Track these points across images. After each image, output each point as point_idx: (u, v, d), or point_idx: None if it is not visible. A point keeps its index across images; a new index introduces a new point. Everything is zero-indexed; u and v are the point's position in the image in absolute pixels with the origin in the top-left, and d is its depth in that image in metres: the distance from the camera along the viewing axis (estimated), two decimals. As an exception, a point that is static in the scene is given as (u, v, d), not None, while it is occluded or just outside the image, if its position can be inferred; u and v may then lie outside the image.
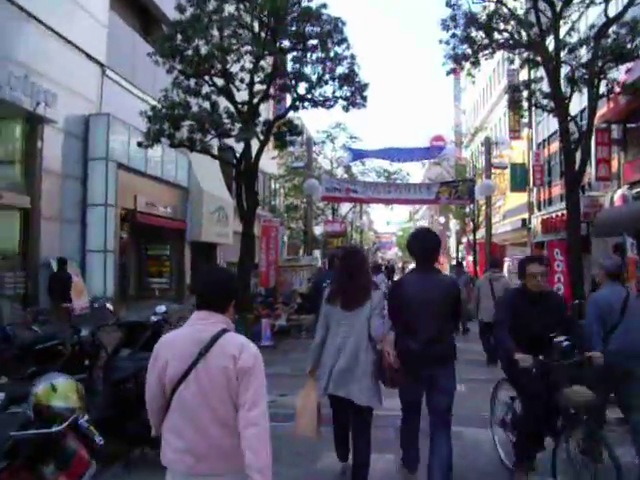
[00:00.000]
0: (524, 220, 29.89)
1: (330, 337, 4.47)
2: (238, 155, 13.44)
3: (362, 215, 38.43)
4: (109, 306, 9.08)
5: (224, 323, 2.69)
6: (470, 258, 48.09)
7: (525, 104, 15.07)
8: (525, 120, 30.76)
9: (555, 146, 26.12)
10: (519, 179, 28.27)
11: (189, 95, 12.27)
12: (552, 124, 26.42)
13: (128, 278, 17.81)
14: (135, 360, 4.85)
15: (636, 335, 5.00)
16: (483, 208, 28.37)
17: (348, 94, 14.11)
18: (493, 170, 18.54)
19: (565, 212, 23.15)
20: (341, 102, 14.75)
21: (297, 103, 14.48)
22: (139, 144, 12.76)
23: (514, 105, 15.22)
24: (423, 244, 4.73)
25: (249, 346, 2.64)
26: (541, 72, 14.80)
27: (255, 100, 13.45)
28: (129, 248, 18.43)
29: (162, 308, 6.49)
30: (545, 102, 14.26)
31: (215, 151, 13.81)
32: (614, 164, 18.89)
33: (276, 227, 14.47)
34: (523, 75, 30.43)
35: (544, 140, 27.77)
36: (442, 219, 60.12)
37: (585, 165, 12.77)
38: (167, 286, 20.34)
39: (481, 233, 30.71)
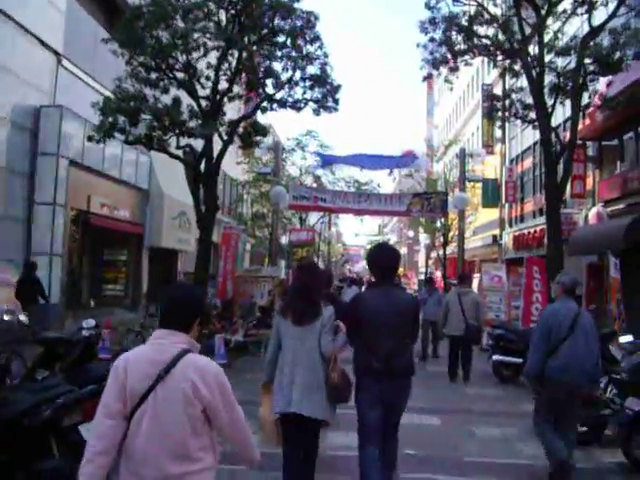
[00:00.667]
0: (495, 236, 29.51)
1: (282, 352, 4.44)
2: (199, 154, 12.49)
3: (331, 226, 37.65)
4: (22, 317, 7.80)
5: (186, 343, 2.56)
6: (439, 273, 47.93)
7: (502, 115, 14.39)
8: (498, 135, 30.62)
9: (529, 162, 25.77)
10: (491, 195, 27.81)
11: (146, 86, 11.23)
12: (526, 140, 26.13)
13: (80, 284, 16.68)
14: (36, 391, 3.85)
15: (581, 351, 5.10)
16: (454, 222, 27.94)
17: (319, 96, 13.29)
18: (467, 184, 17.92)
19: (538, 229, 22.94)
20: (312, 105, 13.97)
21: (265, 104, 13.63)
22: (89, 138, 11.70)
23: (490, 116, 14.57)
24: (382, 260, 4.77)
25: (212, 368, 2.53)
26: (521, 82, 14.21)
27: (219, 97, 12.52)
28: (82, 252, 17.30)
29: (91, 322, 5.51)
30: (524, 113, 13.61)
31: (175, 150, 12.77)
32: (589, 181, 18.47)
33: (237, 235, 13.43)
34: (498, 89, 30.31)
35: (517, 156, 27.44)
36: (411, 233, 59.91)
37: (567, 179, 12.18)
38: (122, 293, 19.22)
39: (451, 248, 30.19)
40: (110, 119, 10.84)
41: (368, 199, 17.24)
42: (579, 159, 18.33)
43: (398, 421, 4.67)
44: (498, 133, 30.21)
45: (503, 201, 27.54)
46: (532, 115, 13.58)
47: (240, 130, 13.40)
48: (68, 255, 14.69)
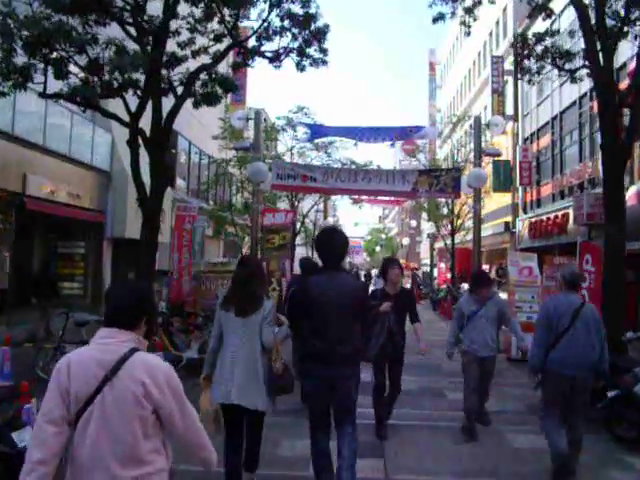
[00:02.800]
0: (507, 223, 26.75)
1: (224, 345, 4.49)
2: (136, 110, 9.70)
3: (327, 214, 34.60)
4: None
5: (134, 342, 2.46)
6: (442, 265, 45.19)
7: (534, 67, 11.58)
8: (510, 112, 27.88)
9: (546, 140, 23.00)
10: (503, 178, 24.97)
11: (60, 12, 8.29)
12: (542, 115, 23.38)
13: (27, 281, 14.06)
14: None
15: (582, 343, 5.07)
16: (463, 208, 25.18)
17: (302, 43, 10.56)
18: (483, 159, 15.13)
19: (559, 214, 20.20)
20: (294, 58, 11.25)
21: (238, 57, 10.89)
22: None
23: (521, 70, 11.75)
24: (329, 244, 4.67)
25: (162, 366, 2.45)
26: (558, 24, 11.39)
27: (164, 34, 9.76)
28: (29, 244, 14.66)
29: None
30: (562, 62, 10.81)
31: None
32: (626, 156, 15.69)
33: (191, 216, 10.54)
34: (508, 64, 27.54)
35: (532, 134, 24.70)
36: (413, 222, 57.02)
37: (633, 137, 9.09)
38: (81, 292, 16.53)
39: (459, 237, 27.42)
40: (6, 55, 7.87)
41: (366, 177, 14.42)
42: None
43: (348, 409, 4.53)
44: (509, 110, 27.56)
45: (517, 184, 24.79)
46: (574, 64, 10.75)
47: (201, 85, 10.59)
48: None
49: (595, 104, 18.33)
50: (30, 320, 12.25)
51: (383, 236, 77.66)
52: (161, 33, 9.66)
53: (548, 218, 21.07)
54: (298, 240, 35.10)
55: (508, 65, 27.15)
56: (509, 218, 26.49)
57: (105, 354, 2.38)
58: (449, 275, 38.29)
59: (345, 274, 4.94)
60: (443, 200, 26.68)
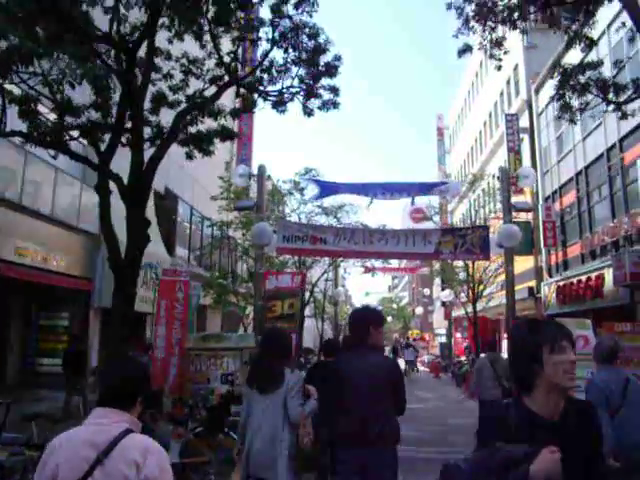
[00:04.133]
0: (531, 288, 24.90)
1: (250, 421, 4.50)
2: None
3: (337, 282, 32.81)
4: None
5: (128, 423, 2.39)
6: (458, 335, 43.01)
7: (576, 103, 10.15)
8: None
9: (571, 197, 21.52)
10: (524, 239, 23.32)
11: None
12: (564, 172, 22.02)
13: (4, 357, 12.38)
14: None
15: (636, 421, 4.63)
16: (488, 271, 23.47)
17: (309, 80, 9.23)
18: (514, 214, 13.60)
19: (593, 276, 18.40)
20: (300, 100, 9.92)
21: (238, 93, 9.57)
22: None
23: (562, 107, 10.33)
24: (357, 322, 4.67)
25: (156, 450, 2.36)
26: (596, 54, 10.06)
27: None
28: (6, 315, 13.08)
29: None
30: (605, 94, 9.39)
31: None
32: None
33: (182, 282, 8.83)
34: (524, 121, 26.54)
35: (554, 192, 23.26)
36: (427, 290, 55.02)
37: None
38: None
39: (481, 304, 25.52)
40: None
41: (383, 238, 12.81)
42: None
43: None
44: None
45: (541, 246, 23.15)
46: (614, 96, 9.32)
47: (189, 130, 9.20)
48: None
49: (626, 154, 17.05)
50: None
51: (394, 306, 75.44)
52: (140, 63, 8.35)
53: (579, 281, 19.31)
54: (307, 311, 33.28)
55: (523, 122, 26.18)
56: (533, 282, 24.70)
57: (97, 435, 2.32)
58: (465, 345, 36.25)
59: (377, 352, 4.69)
60: (460, 264, 25.05)
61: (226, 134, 9.96)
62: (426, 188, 13.86)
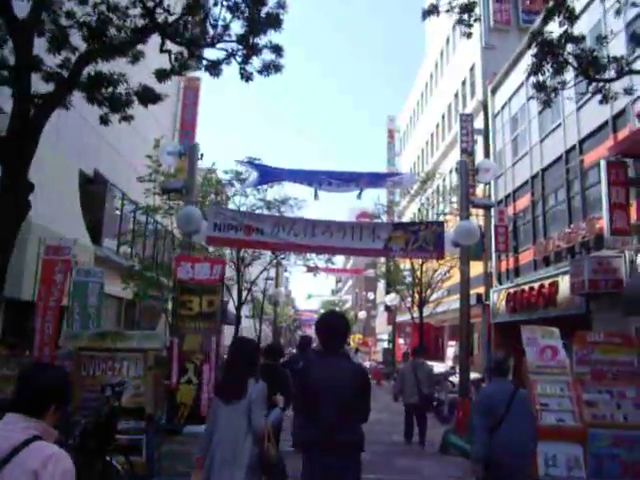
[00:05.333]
0: (479, 295, 23.97)
1: (215, 431, 4.41)
2: None
3: (279, 282, 31.18)
4: None
5: (37, 430, 2.26)
6: (401, 341, 41.99)
7: (554, 82, 8.91)
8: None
9: (525, 201, 20.66)
10: (475, 245, 22.42)
11: None
12: (519, 175, 21.16)
13: None
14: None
15: (518, 432, 5.05)
16: (436, 274, 22.42)
17: (247, 34, 7.73)
18: (473, 211, 12.43)
19: (546, 284, 17.44)
20: (237, 61, 8.41)
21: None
22: None
23: (537, 86, 9.09)
24: (327, 329, 4.54)
25: (59, 458, 2.21)
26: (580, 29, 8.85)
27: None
28: None
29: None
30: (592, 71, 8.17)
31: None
32: (632, 212, 13.24)
33: (65, 261, 7.11)
34: (479, 122, 25.68)
35: (507, 196, 22.41)
36: (370, 295, 54.01)
37: None
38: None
39: (428, 309, 24.43)
40: None
41: (327, 230, 11.43)
42: (618, 181, 13.21)
43: None
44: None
45: (492, 252, 22.25)
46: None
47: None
48: None
49: (587, 156, 16.20)
50: None
51: (337, 309, 74.34)
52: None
53: (531, 288, 18.43)
54: (246, 311, 31.54)
55: (477, 124, 25.32)
56: (481, 289, 23.79)
57: (1, 441, 2.21)
58: (403, 352, 35.30)
59: (344, 358, 4.70)
60: (407, 266, 23.93)
61: (148, 96, 8.36)
62: (377, 179, 12.51)
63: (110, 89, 8.02)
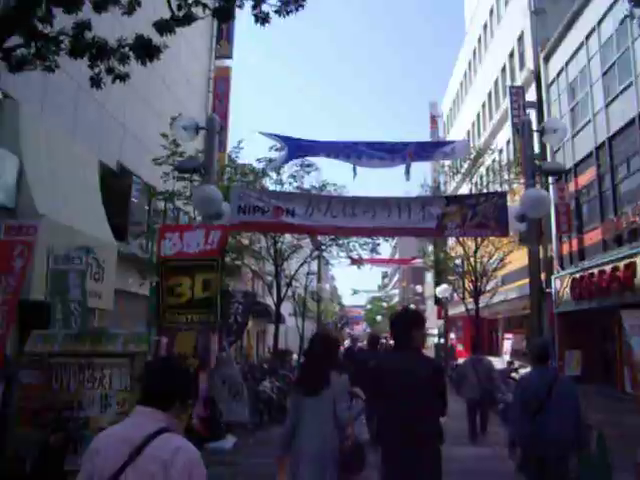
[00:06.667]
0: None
1: (300, 425, 4.52)
2: None
3: (321, 276, 29.38)
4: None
5: (164, 422, 2.42)
6: (452, 336, 39.84)
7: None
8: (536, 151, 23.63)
9: (589, 175, 18.57)
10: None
11: None
12: (580, 147, 19.06)
13: None
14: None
15: (555, 421, 4.99)
16: (493, 259, 20.50)
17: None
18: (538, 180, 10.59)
19: (621, 265, 15.26)
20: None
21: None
22: None
23: None
24: (402, 325, 4.68)
25: (187, 449, 2.38)
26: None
27: None
28: None
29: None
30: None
31: None
32: None
33: (25, 243, 5.59)
34: (531, 95, 23.61)
35: (566, 172, 20.27)
36: (419, 287, 51.76)
37: None
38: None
39: (484, 300, 22.42)
40: None
41: (369, 209, 9.78)
42: None
43: None
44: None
45: (552, 234, 20.23)
46: None
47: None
48: None
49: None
50: None
51: (384, 304, 72.39)
52: None
53: (601, 272, 16.35)
54: (290, 309, 29.94)
55: (529, 97, 23.24)
56: (540, 276, 21.70)
57: (134, 432, 2.37)
58: (460, 347, 33.28)
59: (420, 353, 4.70)
60: (460, 250, 22.00)
61: (144, 48, 6.90)
62: (427, 149, 10.68)
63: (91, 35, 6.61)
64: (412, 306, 50.52)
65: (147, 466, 2.27)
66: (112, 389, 4.69)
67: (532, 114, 23.16)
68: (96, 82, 7.22)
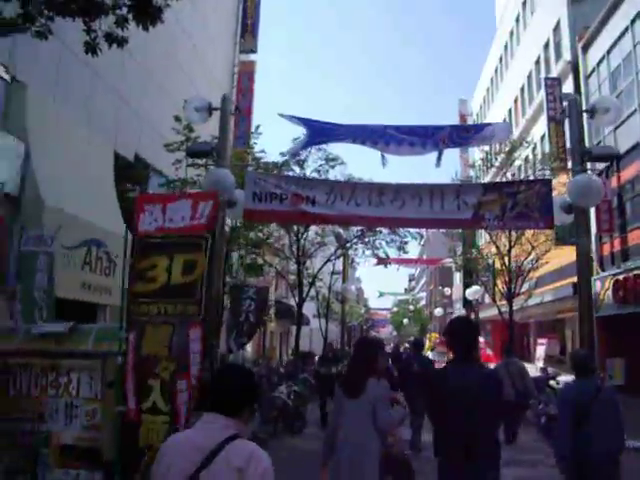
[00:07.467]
0: (576, 285, 20.63)
1: (340, 427, 4.49)
2: None
3: (346, 275, 28.30)
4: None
5: (235, 428, 2.40)
6: (481, 339, 38.49)
7: None
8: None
9: (632, 170, 17.34)
10: (569, 225, 19.17)
11: None
12: (623, 140, 17.84)
13: None
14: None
15: (600, 430, 4.94)
16: (530, 258, 19.35)
17: None
18: (590, 166, 9.54)
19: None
20: None
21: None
22: None
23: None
24: (462, 333, 4.50)
25: (260, 456, 2.35)
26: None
27: None
28: None
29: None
30: None
31: None
32: None
33: None
34: (568, 86, 22.41)
35: (608, 166, 19.04)
36: (447, 290, 50.33)
37: None
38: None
39: (519, 302, 21.16)
40: None
41: (398, 197, 8.82)
42: None
43: None
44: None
45: (591, 233, 18.98)
46: None
47: None
48: None
49: None
50: None
51: (411, 307, 71.00)
52: None
53: (648, 272, 15.16)
54: (314, 309, 28.89)
55: (565, 89, 22.01)
56: (591, 275, 20.43)
57: (205, 439, 2.34)
58: (489, 351, 31.91)
59: (477, 365, 4.66)
60: (493, 249, 20.80)
61: (143, 8, 6.07)
62: (462, 134, 9.62)
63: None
64: (453, 312, 49.25)
65: (222, 472, 2.25)
66: (80, 397, 3.79)
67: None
68: (91, 48, 6.41)
